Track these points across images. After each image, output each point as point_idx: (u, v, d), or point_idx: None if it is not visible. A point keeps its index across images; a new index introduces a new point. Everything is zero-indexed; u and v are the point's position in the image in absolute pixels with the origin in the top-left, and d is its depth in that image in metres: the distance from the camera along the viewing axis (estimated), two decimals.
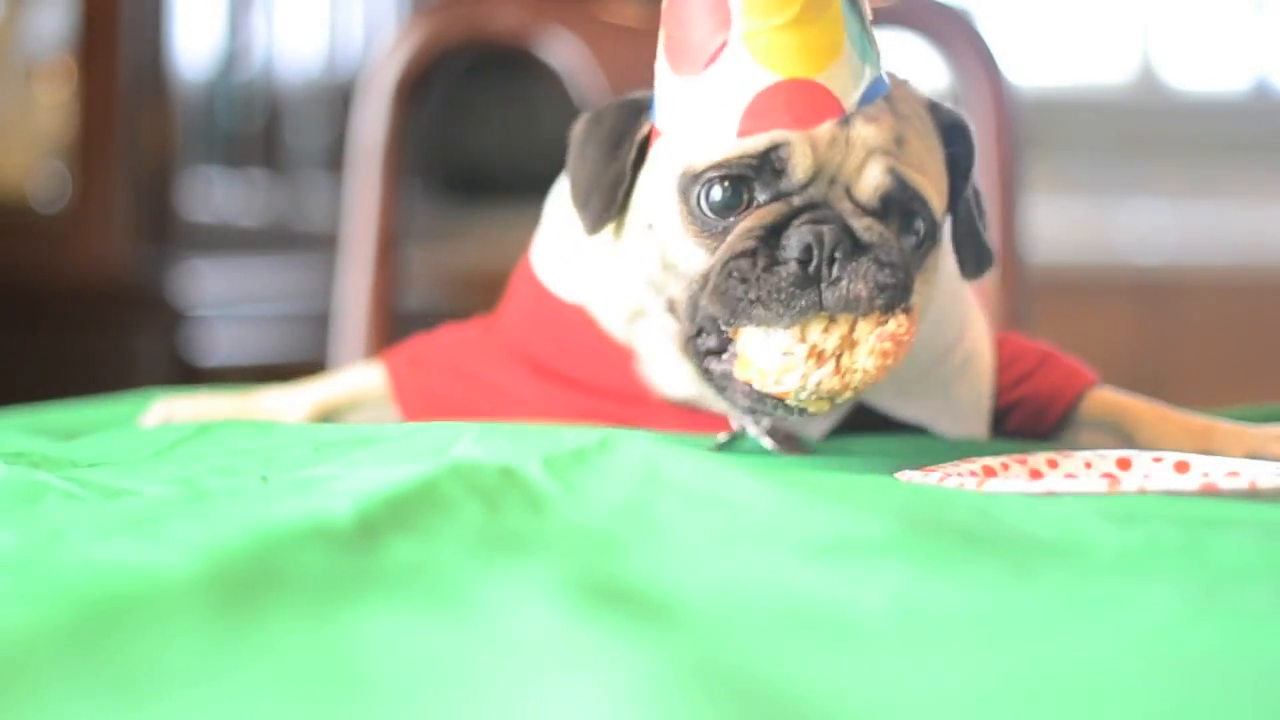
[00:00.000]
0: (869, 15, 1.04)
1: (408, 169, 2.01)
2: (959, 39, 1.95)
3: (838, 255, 0.99)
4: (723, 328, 1.02)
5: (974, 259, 1.13)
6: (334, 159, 3.58)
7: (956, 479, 0.97)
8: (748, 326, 1.00)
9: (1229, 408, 1.34)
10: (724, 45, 1.02)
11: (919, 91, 1.11)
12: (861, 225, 1.01)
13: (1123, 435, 1.24)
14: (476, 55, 2.13)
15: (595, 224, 1.09)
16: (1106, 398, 1.27)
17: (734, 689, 0.51)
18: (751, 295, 0.99)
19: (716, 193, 1.02)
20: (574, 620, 0.57)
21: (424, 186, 4.39)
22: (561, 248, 1.22)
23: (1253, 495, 0.91)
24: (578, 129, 1.14)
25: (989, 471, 1.01)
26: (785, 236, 1.00)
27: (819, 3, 1.01)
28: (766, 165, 1.01)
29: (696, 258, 1.04)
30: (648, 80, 1.11)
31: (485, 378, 1.25)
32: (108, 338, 3.05)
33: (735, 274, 1.00)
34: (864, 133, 1.02)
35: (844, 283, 0.98)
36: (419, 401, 1.27)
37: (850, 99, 1.02)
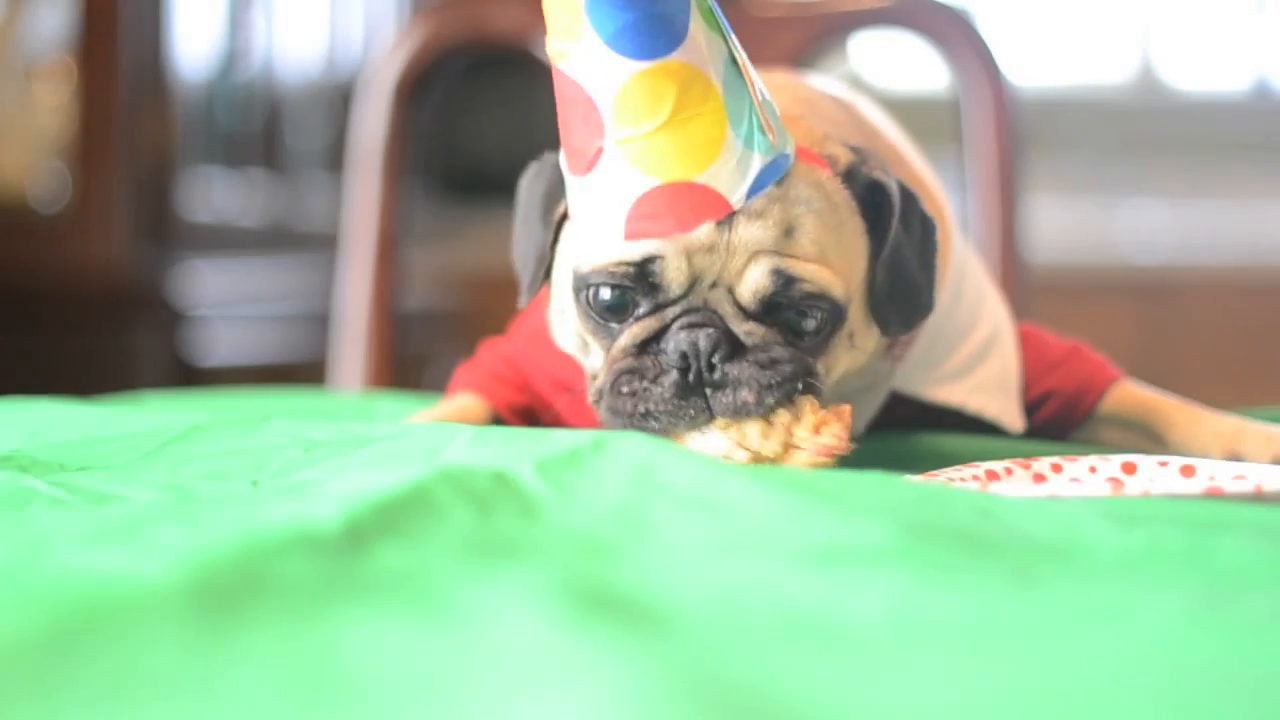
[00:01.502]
0: (759, 96, 1.00)
1: (408, 169, 2.01)
2: (959, 39, 1.94)
3: (716, 360, 0.98)
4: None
5: (899, 316, 1.08)
6: (334, 159, 3.58)
7: (959, 484, 0.96)
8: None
9: (1259, 407, 1.33)
10: (600, 151, 1.00)
11: (841, 149, 1.07)
12: (744, 330, 1.00)
13: (1152, 435, 1.23)
14: (476, 55, 2.12)
15: (525, 295, 1.10)
16: (1136, 394, 1.25)
17: (726, 700, 0.50)
18: (641, 409, 0.99)
19: (604, 295, 1.02)
20: (564, 628, 0.56)
21: (424, 186, 4.38)
22: None
23: (1257, 499, 0.91)
24: (522, 181, 1.14)
25: (991, 476, 1.00)
26: (664, 342, 1.00)
27: (695, 100, 0.98)
28: (644, 277, 1.00)
29: (595, 354, 1.05)
30: None
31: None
32: (108, 338, 3.05)
33: (624, 389, 1.00)
34: (746, 233, 0.99)
35: (729, 390, 0.98)
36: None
37: (736, 194, 0.99)
